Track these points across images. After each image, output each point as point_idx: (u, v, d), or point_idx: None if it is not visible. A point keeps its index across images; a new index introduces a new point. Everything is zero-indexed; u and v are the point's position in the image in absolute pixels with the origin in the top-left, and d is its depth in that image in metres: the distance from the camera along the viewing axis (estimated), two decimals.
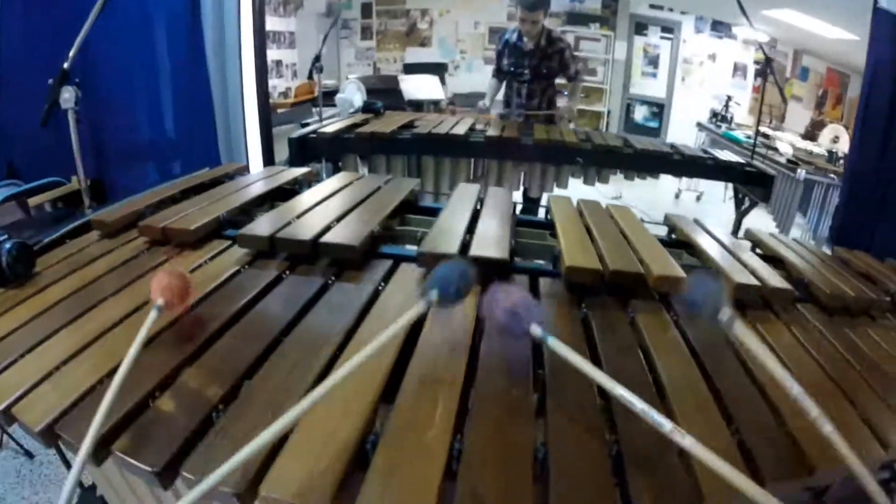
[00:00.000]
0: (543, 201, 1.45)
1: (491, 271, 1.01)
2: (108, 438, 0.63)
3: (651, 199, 5.56)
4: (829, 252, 1.93)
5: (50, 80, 1.75)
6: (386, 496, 0.56)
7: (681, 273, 1.07)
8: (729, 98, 5.95)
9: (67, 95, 1.73)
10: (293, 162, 2.72)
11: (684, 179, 4.85)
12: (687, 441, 0.57)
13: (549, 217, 1.46)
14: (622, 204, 1.57)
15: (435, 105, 5.93)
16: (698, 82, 7.35)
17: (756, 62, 7.18)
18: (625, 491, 0.61)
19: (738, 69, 7.31)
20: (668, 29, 7.23)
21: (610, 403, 0.72)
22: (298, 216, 1.23)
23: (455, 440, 0.64)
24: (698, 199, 6.00)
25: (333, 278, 1.02)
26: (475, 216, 1.30)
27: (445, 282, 0.73)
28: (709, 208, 5.76)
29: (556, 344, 0.69)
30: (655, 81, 7.47)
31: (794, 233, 3.87)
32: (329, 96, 4.69)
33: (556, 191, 2.87)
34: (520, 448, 0.64)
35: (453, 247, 1.06)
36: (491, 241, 1.11)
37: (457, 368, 0.77)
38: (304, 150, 2.69)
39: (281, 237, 1.09)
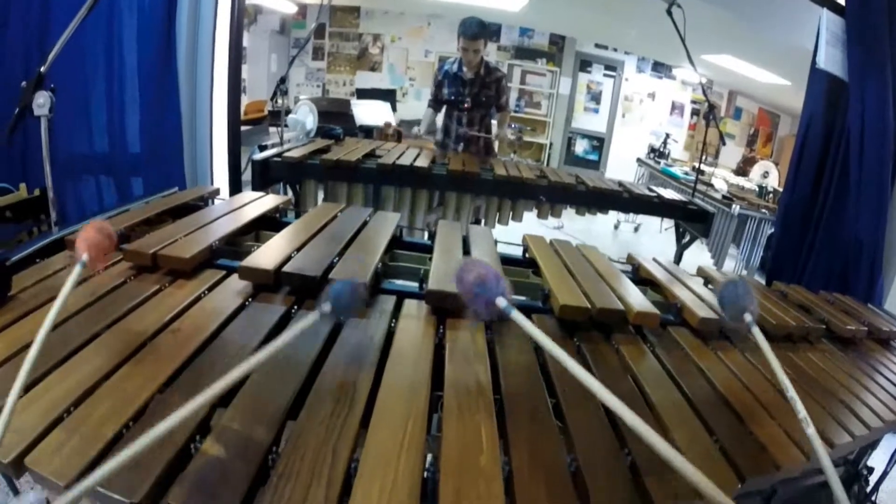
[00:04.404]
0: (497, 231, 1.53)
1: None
2: (159, 488, 0.61)
3: (592, 229, 5.81)
4: (760, 280, 2.14)
5: (23, 83, 1.62)
6: None
7: (654, 310, 1.19)
8: (668, 135, 6.27)
9: (42, 101, 1.63)
10: (255, 184, 2.71)
11: None
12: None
13: (526, 256, 1.55)
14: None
15: (380, 131, 5.97)
16: (638, 119, 7.74)
17: (693, 101, 7.64)
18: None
19: (676, 107, 7.76)
20: (612, 67, 7.60)
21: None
22: (298, 249, 1.21)
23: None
24: (636, 230, 6.27)
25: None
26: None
27: (339, 297, 0.76)
28: (646, 239, 6.05)
29: (518, 316, 0.73)
30: (597, 116, 7.80)
31: (727, 263, 4.14)
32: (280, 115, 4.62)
33: (511, 224, 2.99)
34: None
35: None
36: None
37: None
38: (266, 173, 2.70)
39: (288, 271, 1.07)
